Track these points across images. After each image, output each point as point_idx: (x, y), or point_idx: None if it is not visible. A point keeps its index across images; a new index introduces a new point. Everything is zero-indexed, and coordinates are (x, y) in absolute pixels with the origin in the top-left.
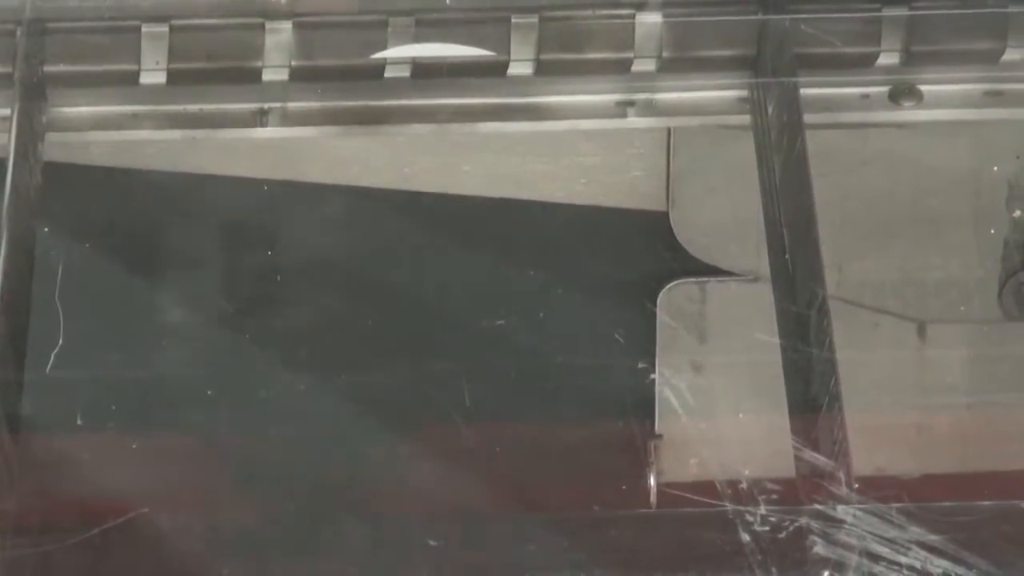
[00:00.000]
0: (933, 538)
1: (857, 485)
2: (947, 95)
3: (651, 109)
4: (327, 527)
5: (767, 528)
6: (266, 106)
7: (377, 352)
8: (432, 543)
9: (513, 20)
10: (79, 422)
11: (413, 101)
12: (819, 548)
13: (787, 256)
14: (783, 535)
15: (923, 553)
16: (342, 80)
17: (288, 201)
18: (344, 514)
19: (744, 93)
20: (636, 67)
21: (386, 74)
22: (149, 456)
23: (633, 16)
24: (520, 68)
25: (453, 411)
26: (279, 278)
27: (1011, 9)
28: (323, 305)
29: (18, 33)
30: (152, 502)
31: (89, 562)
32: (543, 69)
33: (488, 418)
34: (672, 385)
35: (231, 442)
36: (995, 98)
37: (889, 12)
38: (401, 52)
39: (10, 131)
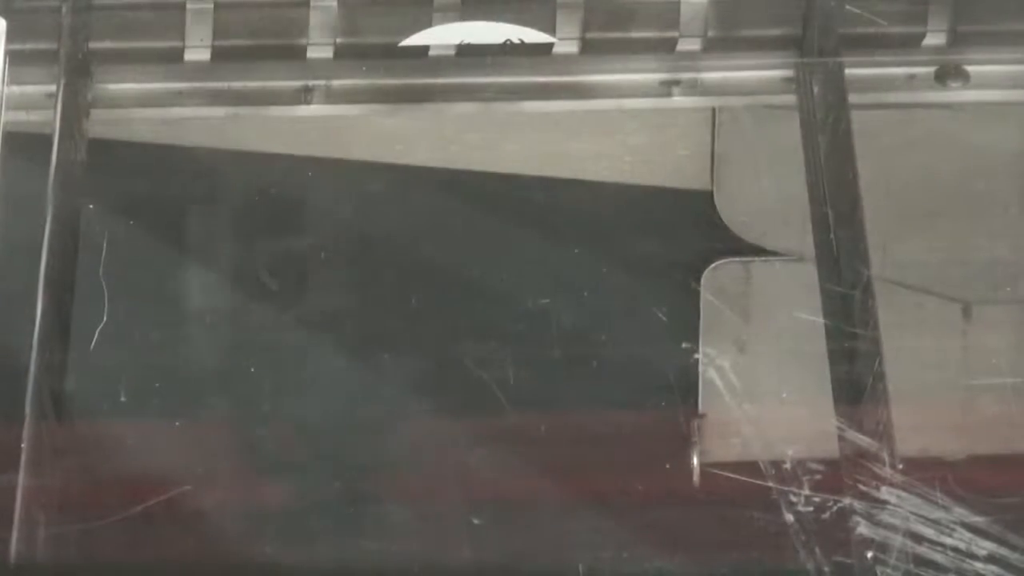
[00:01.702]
0: (978, 519)
1: (901, 466)
2: (994, 76)
3: (696, 88)
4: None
5: (811, 508)
6: (310, 83)
7: (419, 332)
8: (476, 522)
9: None
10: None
11: (458, 79)
12: (863, 529)
13: (832, 236)
14: (827, 515)
15: (968, 534)
16: (387, 58)
17: (331, 179)
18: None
19: (789, 73)
20: (681, 46)
21: (431, 52)
22: (190, 437)
23: None
24: (565, 47)
25: (495, 391)
26: (321, 256)
27: None
28: (364, 284)
29: (63, 10)
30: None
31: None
32: (588, 48)
33: (529, 398)
34: (716, 365)
35: (271, 423)
36: None
37: None
38: (447, 30)
39: (55, 108)
